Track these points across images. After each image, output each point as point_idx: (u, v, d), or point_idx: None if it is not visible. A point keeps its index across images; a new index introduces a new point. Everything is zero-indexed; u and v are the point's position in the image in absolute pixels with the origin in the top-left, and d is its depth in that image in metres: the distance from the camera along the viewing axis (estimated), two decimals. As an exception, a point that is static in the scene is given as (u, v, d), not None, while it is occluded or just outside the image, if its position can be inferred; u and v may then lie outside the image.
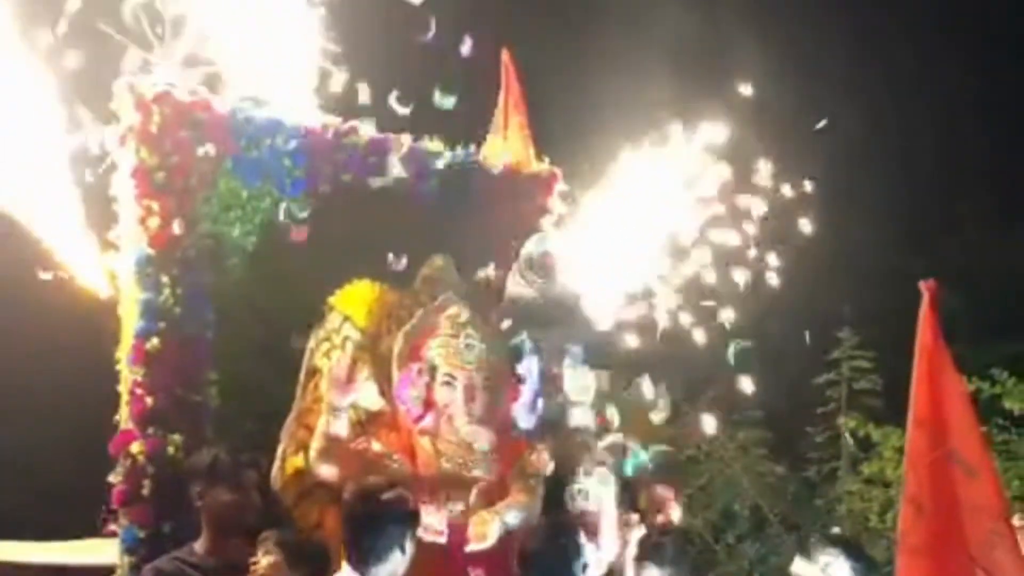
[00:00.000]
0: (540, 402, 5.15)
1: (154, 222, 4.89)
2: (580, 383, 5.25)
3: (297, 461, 4.84)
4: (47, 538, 5.56)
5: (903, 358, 5.44)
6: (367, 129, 5.40)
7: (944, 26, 11.84)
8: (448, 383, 4.95)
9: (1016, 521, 3.84)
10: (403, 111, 5.29)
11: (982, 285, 10.86)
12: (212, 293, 4.97)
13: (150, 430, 4.75)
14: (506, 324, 5.22)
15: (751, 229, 5.43)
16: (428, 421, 4.95)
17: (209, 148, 4.99)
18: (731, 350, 5.42)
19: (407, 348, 5.04)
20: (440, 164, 5.60)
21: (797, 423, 8.50)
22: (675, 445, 7.65)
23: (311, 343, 5.04)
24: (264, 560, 4.33)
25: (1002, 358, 7.94)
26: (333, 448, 4.75)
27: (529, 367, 5.15)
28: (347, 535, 4.15)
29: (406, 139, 5.54)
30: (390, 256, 5.14)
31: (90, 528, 5.08)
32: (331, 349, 5.03)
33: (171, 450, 4.74)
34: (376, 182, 5.42)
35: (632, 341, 5.34)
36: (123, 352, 4.91)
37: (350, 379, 4.81)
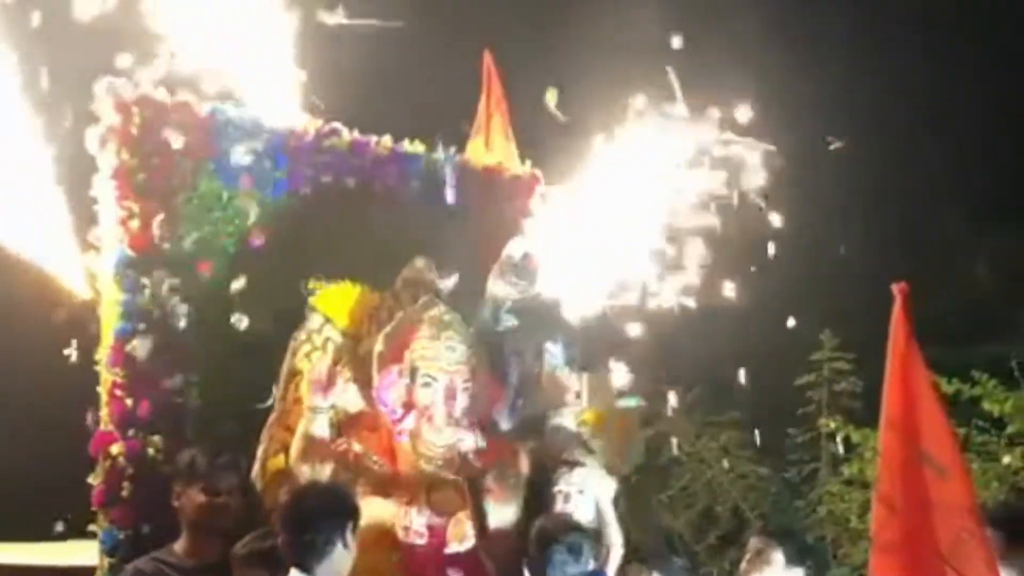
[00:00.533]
0: (521, 403, 5.17)
1: (134, 224, 4.90)
2: (560, 385, 5.26)
3: (278, 462, 4.83)
4: (27, 539, 5.55)
5: (883, 360, 5.49)
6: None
7: (922, 28, 11.91)
8: (428, 384, 4.95)
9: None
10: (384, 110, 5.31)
11: (962, 287, 10.92)
12: (193, 295, 4.97)
13: (130, 431, 4.76)
14: (487, 325, 5.23)
15: (731, 228, 5.44)
16: (408, 422, 4.95)
17: (190, 150, 5.00)
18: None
19: (387, 350, 5.04)
20: (422, 166, 5.61)
21: (778, 424, 8.52)
22: (655, 446, 7.73)
23: (292, 344, 5.03)
24: None
25: (982, 360, 7.97)
26: (313, 449, 4.75)
27: (510, 368, 5.16)
28: (284, 534, 4.14)
29: (388, 141, 5.56)
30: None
31: (70, 529, 5.07)
32: (312, 350, 5.03)
33: (151, 451, 4.75)
34: (357, 184, 5.42)
35: (613, 341, 5.37)
36: (103, 353, 4.90)
37: (331, 380, 4.83)
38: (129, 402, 4.78)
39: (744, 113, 5.25)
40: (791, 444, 8.50)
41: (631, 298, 5.54)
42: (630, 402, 5.32)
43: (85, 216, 5.00)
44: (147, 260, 4.89)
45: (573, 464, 5.08)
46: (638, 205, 5.36)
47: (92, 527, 4.83)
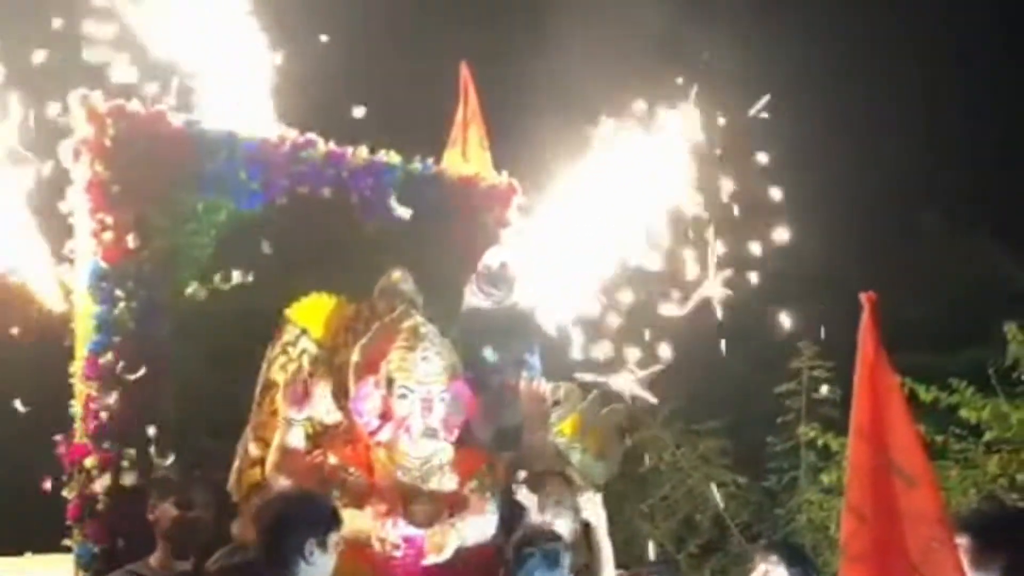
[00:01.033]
0: (497, 414, 5.16)
1: (108, 235, 4.88)
2: (537, 394, 5.25)
3: (254, 475, 4.81)
4: (3, 554, 5.52)
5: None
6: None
7: (904, 29, 11.92)
8: (405, 396, 4.92)
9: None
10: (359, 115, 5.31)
11: (940, 293, 10.95)
12: (167, 307, 4.95)
13: (104, 445, 4.74)
14: (464, 336, 5.22)
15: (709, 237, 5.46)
16: (385, 434, 4.93)
17: (164, 161, 4.98)
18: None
19: (364, 361, 5.02)
20: (398, 176, 5.60)
21: (757, 433, 8.54)
22: (635, 456, 7.74)
23: (268, 356, 5.02)
24: None
25: (960, 367, 8.00)
26: (289, 461, 4.73)
27: (487, 379, 5.15)
28: (258, 543, 4.11)
29: (363, 151, 5.55)
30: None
31: (47, 543, 5.04)
32: (288, 362, 5.01)
33: (125, 464, 4.72)
34: (333, 194, 5.41)
35: (591, 352, 5.37)
36: (77, 366, 4.88)
37: (306, 392, 4.80)
38: (104, 415, 4.76)
39: (720, 120, 5.28)
40: (771, 452, 8.52)
41: (609, 307, 5.56)
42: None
43: (59, 228, 4.98)
44: (121, 272, 4.88)
45: (550, 474, 5.06)
46: (615, 214, 5.38)
47: (67, 541, 4.80)
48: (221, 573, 4.33)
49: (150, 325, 4.89)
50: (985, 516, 3.93)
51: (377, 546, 4.66)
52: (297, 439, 4.76)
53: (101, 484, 4.69)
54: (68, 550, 4.82)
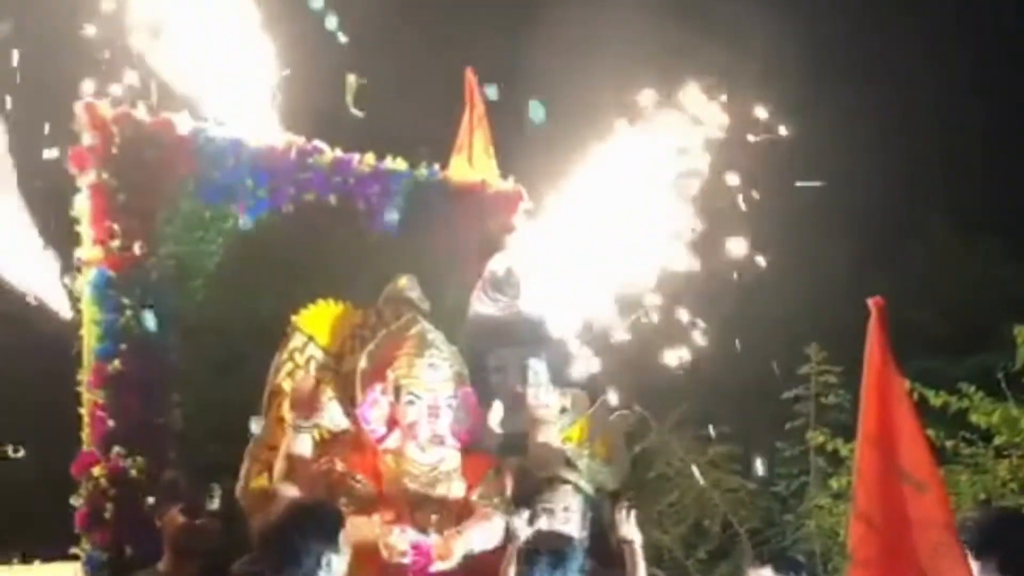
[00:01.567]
0: (505, 421, 5.15)
1: (115, 243, 4.89)
2: (545, 401, 5.24)
3: (261, 482, 4.81)
4: (6, 562, 5.53)
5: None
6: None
7: (916, 31, 11.88)
8: (412, 402, 4.93)
9: None
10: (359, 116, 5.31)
11: (949, 297, 10.91)
12: (174, 314, 4.95)
13: (112, 453, 4.74)
14: (471, 343, 5.21)
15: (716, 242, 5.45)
16: (392, 441, 4.94)
17: (170, 169, 4.98)
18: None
19: (371, 368, 5.03)
20: (404, 183, 5.59)
21: (766, 438, 8.50)
22: (643, 463, 7.72)
23: (275, 363, 5.02)
24: None
25: (969, 372, 7.96)
26: (297, 469, 4.73)
27: (495, 385, 5.14)
28: (270, 557, 4.08)
29: (370, 158, 5.55)
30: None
31: (54, 551, 5.05)
32: (295, 369, 5.02)
33: (133, 472, 4.72)
34: (339, 201, 5.41)
35: (598, 358, 5.36)
36: (84, 374, 4.88)
37: (314, 399, 4.80)
38: (111, 423, 4.77)
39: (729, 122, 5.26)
40: (780, 458, 8.47)
41: (615, 312, 5.55)
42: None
43: (66, 236, 4.98)
44: (128, 280, 4.87)
45: (557, 481, 5.05)
46: (622, 219, 5.36)
47: (75, 549, 4.80)
48: None
49: (157, 333, 4.88)
50: (980, 521, 3.91)
51: (385, 553, 4.65)
52: (305, 446, 4.76)
53: (109, 492, 4.68)
54: (76, 558, 4.82)
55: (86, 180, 4.94)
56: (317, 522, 4.08)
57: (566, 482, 5.05)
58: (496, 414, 5.14)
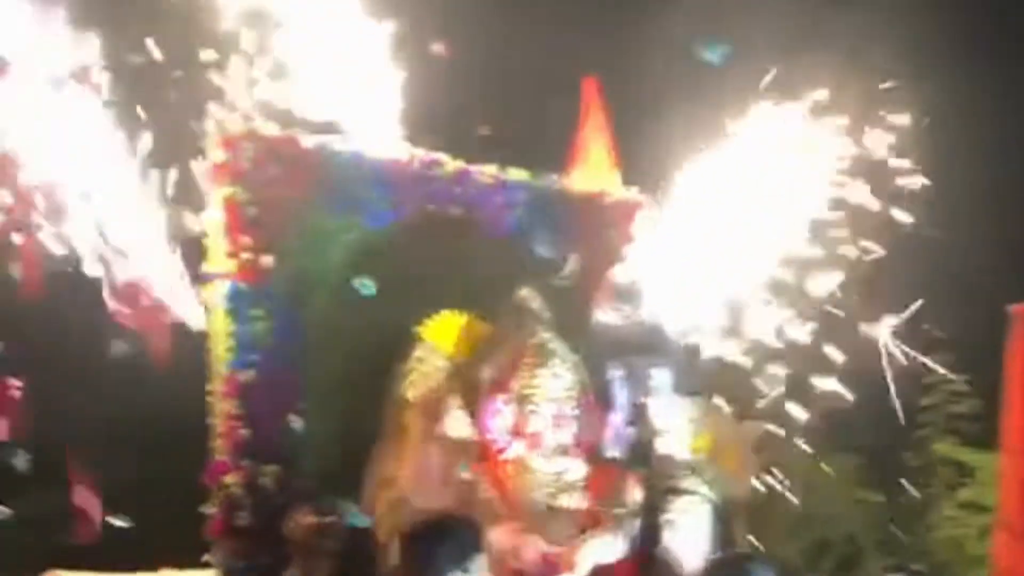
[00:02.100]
0: (629, 431, 5.13)
1: (246, 256, 4.98)
2: (669, 411, 5.21)
3: (388, 492, 4.86)
4: (141, 569, 5.65)
5: (1000, 382, 5.32)
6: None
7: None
8: (535, 412, 4.94)
9: None
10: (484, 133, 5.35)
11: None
12: (302, 325, 5.03)
13: (244, 461, 4.83)
14: (594, 353, 5.21)
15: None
16: (516, 451, 4.95)
17: (297, 183, 5.07)
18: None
19: (495, 378, 5.05)
20: (525, 193, 5.61)
21: (892, 448, 8.36)
22: (767, 473, 7.62)
23: (400, 373, 5.07)
24: None
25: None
26: (423, 479, 4.77)
27: (618, 396, 5.13)
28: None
29: (491, 169, 5.58)
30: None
31: (187, 559, 5.16)
32: (420, 379, 5.06)
33: (265, 481, 4.80)
34: (462, 213, 5.44)
35: (722, 368, 5.33)
36: (216, 385, 4.98)
37: (439, 409, 4.84)
38: (243, 432, 4.86)
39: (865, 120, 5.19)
40: (906, 468, 8.33)
41: (738, 321, 5.50)
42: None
43: (198, 249, 5.09)
44: (258, 292, 4.96)
45: (684, 492, 5.02)
46: (746, 225, 5.32)
47: (207, 557, 4.90)
48: None
49: (286, 343, 4.97)
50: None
51: (512, 563, 4.66)
52: (430, 456, 4.80)
53: (241, 500, 4.77)
54: (208, 565, 4.92)
55: (217, 195, 5.04)
56: (459, 539, 4.07)
57: (692, 492, 5.02)
58: (620, 424, 5.13)
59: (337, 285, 5.14)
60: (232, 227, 5.01)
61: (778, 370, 5.75)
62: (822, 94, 5.22)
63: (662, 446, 5.16)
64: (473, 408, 5.02)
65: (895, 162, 5.37)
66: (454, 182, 5.46)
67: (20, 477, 5.09)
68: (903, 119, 5.36)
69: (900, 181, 5.38)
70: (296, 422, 4.93)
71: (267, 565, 4.75)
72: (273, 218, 5.04)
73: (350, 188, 5.20)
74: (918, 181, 5.53)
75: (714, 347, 5.53)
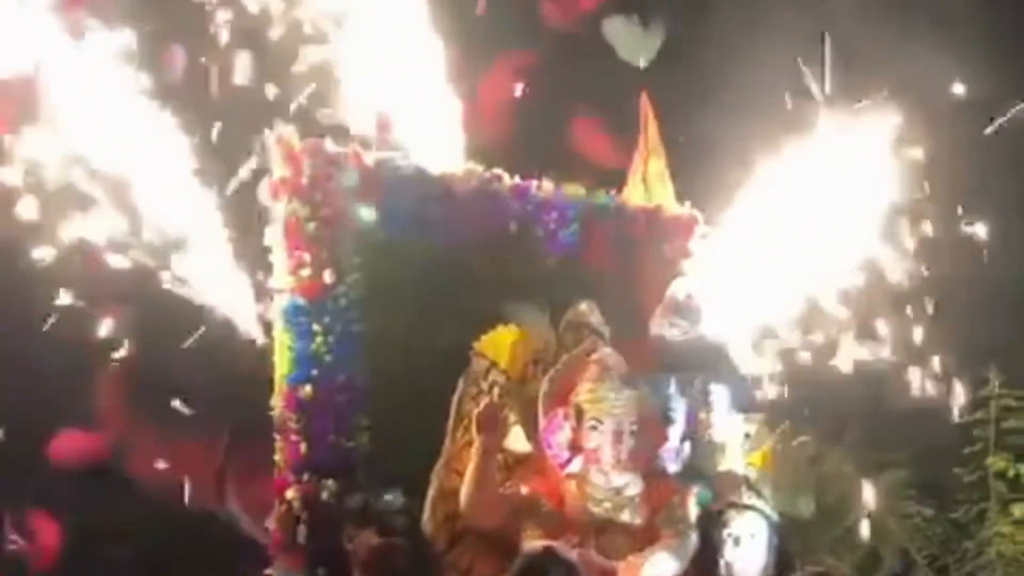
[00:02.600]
0: (688, 446, 5.13)
1: (305, 272, 5.01)
2: (727, 427, 5.22)
3: (447, 506, 4.89)
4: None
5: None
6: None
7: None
8: (595, 427, 4.95)
9: None
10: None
11: None
12: (361, 341, 5.06)
13: (304, 476, 4.86)
14: (652, 368, 5.22)
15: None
16: (575, 465, 4.97)
17: (358, 200, 5.11)
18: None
19: (553, 392, 5.06)
20: (581, 208, 5.63)
21: (944, 463, 8.28)
22: (821, 489, 7.58)
23: (459, 388, 5.09)
24: None
25: None
26: (482, 492, 4.79)
27: (676, 411, 5.13)
28: None
29: (548, 184, 5.60)
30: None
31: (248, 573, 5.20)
32: (478, 394, 5.08)
33: (325, 496, 4.83)
34: (519, 228, 5.46)
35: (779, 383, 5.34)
36: (277, 399, 5.02)
37: (498, 423, 4.86)
38: (303, 447, 4.89)
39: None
40: (958, 483, 8.25)
41: (796, 335, 5.51)
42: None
43: (260, 264, 5.14)
44: (318, 307, 4.99)
45: (742, 507, 5.02)
46: (802, 241, 5.32)
47: (269, 571, 4.93)
48: None
49: (346, 359, 5.00)
50: None
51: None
52: (490, 470, 4.82)
53: (302, 515, 4.80)
54: (269, 578, 4.96)
55: (278, 211, 5.08)
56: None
57: (750, 508, 5.03)
58: (678, 440, 5.13)
59: (396, 301, 5.16)
60: (292, 243, 5.04)
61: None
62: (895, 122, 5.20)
63: (720, 462, 5.17)
64: (531, 423, 5.04)
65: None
66: (511, 198, 5.48)
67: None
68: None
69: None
70: (356, 437, 4.96)
71: (327, 578, 4.78)
72: (333, 234, 5.06)
73: (410, 205, 5.22)
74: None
75: (771, 363, 5.54)
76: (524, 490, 4.90)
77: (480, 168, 5.47)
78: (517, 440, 5.03)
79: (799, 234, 5.30)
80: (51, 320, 5.34)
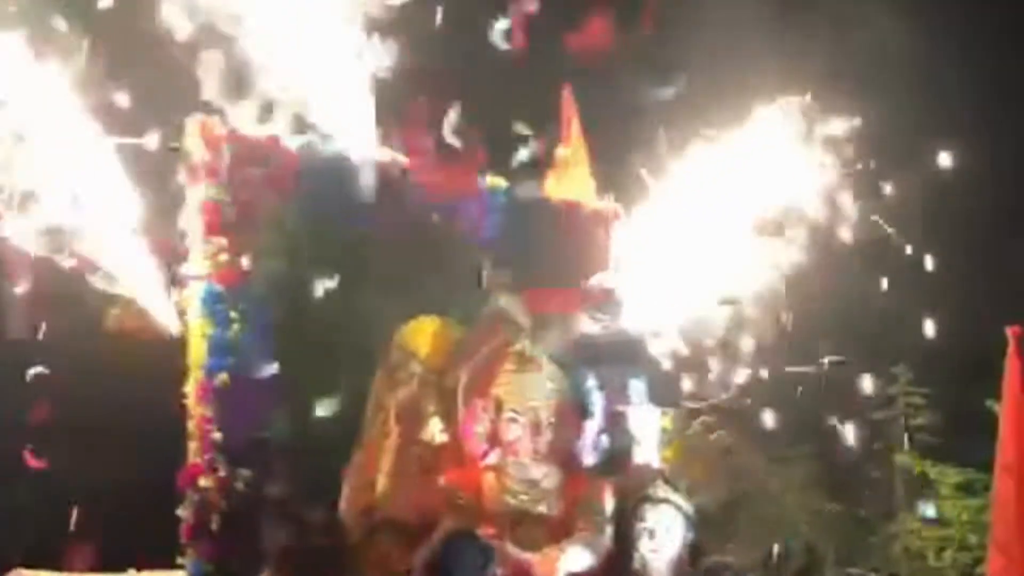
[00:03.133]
0: (604, 439, 5.15)
1: (223, 258, 4.93)
2: (644, 420, 5.25)
3: (364, 497, 4.85)
4: (112, 570, 5.60)
5: (960, 395, 5.38)
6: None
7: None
8: (513, 420, 4.95)
9: None
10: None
11: None
12: (279, 329, 4.99)
13: (218, 465, 4.78)
14: (571, 361, 5.22)
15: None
16: (493, 457, 4.96)
17: (277, 185, 5.04)
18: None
19: (472, 384, 5.05)
20: (503, 200, 5.61)
21: (852, 460, 8.43)
22: (732, 482, 7.68)
23: (377, 378, 5.05)
24: None
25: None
26: (399, 483, 4.76)
27: (594, 404, 5.15)
28: None
29: (470, 175, 5.57)
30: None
31: (157, 561, 5.12)
32: (396, 385, 5.04)
33: (239, 485, 4.76)
34: (440, 218, 5.43)
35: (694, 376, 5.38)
36: (191, 387, 4.94)
37: (416, 414, 4.83)
38: (217, 436, 4.81)
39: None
40: (866, 480, 8.41)
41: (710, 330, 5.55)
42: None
43: (173, 250, 5.04)
44: (235, 294, 4.92)
45: (657, 500, 5.05)
46: (718, 235, 5.37)
47: (180, 560, 4.85)
48: None
49: (262, 347, 4.92)
50: None
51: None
52: (407, 462, 4.79)
53: (215, 504, 4.73)
54: (181, 568, 4.87)
55: (195, 196, 4.99)
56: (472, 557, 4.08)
57: (665, 501, 5.05)
58: (596, 433, 5.14)
59: (315, 289, 5.09)
60: (210, 228, 4.96)
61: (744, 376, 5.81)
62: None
63: (637, 455, 5.20)
64: (450, 414, 5.02)
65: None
66: (433, 188, 5.44)
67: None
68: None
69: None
70: (271, 427, 4.89)
71: (239, 570, 4.71)
72: (252, 220, 4.99)
73: (330, 192, 5.16)
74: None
75: (686, 355, 5.58)
76: (442, 481, 4.88)
77: (402, 156, 5.42)
78: (435, 431, 4.99)
79: (718, 229, 5.35)
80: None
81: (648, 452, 5.24)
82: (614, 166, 6.15)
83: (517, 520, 4.87)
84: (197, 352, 4.95)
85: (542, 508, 4.92)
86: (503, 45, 5.58)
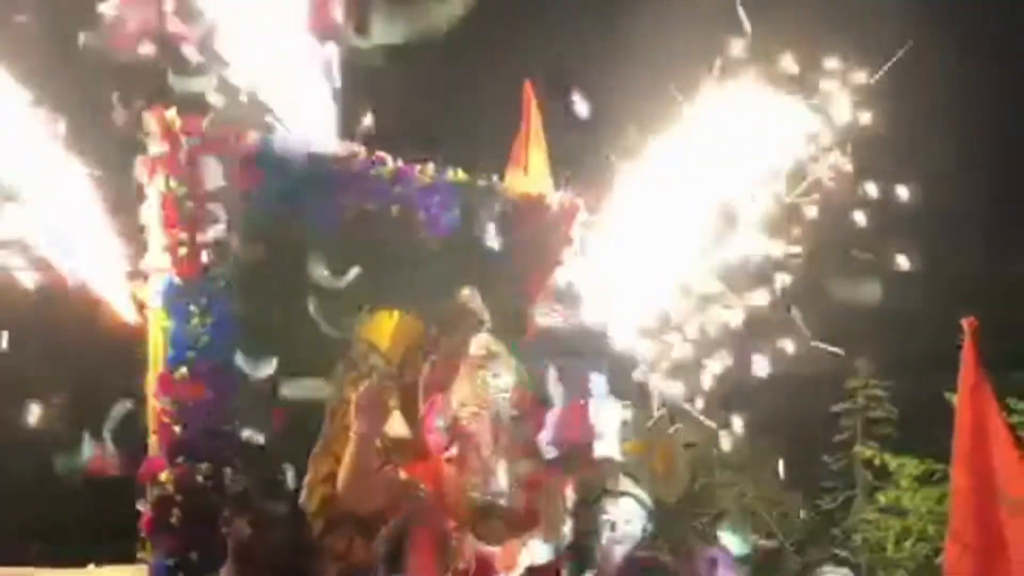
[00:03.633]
0: (566, 432, 5.15)
1: (183, 251, 4.92)
2: (604, 414, 5.26)
3: (325, 490, 4.85)
4: (71, 565, 5.57)
5: (919, 388, 5.44)
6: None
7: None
8: (475, 413, 4.94)
9: None
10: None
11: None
12: (239, 322, 4.98)
13: (178, 459, 4.77)
14: (532, 355, 5.23)
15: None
16: (455, 451, 4.95)
17: (236, 178, 5.02)
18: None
19: (433, 377, 5.04)
20: (463, 194, 5.61)
21: (812, 451, 8.51)
22: (693, 475, 7.71)
23: (338, 371, 5.04)
24: None
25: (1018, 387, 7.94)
26: (360, 477, 4.75)
27: (555, 397, 5.16)
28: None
29: (429, 169, 5.57)
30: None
31: (118, 555, 5.09)
32: (358, 378, 5.03)
33: (200, 479, 4.75)
34: (401, 212, 5.43)
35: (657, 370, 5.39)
36: (151, 381, 4.92)
37: (377, 408, 4.82)
38: (177, 429, 4.80)
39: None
40: (825, 471, 8.48)
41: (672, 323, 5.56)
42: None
43: (133, 244, 5.01)
44: (196, 288, 4.91)
45: (618, 494, 5.07)
46: (680, 229, 5.39)
47: (141, 554, 4.84)
48: None
49: (223, 340, 4.91)
50: None
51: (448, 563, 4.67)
52: (368, 455, 4.78)
53: (175, 498, 4.71)
54: (141, 562, 4.86)
55: (154, 188, 4.97)
56: None
57: (627, 495, 5.08)
58: (557, 426, 5.15)
59: (276, 282, 5.08)
60: (169, 221, 4.94)
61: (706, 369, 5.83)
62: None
63: (598, 448, 5.21)
64: (411, 407, 5.02)
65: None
66: (393, 181, 5.44)
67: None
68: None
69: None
70: (231, 420, 4.88)
71: (200, 564, 4.70)
72: (212, 213, 4.97)
73: (290, 185, 5.15)
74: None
75: (648, 350, 5.59)
76: (403, 475, 4.87)
77: (362, 150, 5.41)
78: (397, 425, 4.97)
79: (679, 222, 5.37)
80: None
81: (609, 445, 5.24)
82: (576, 159, 6.17)
83: (479, 513, 4.87)
84: (156, 345, 4.94)
85: (503, 501, 4.91)
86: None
